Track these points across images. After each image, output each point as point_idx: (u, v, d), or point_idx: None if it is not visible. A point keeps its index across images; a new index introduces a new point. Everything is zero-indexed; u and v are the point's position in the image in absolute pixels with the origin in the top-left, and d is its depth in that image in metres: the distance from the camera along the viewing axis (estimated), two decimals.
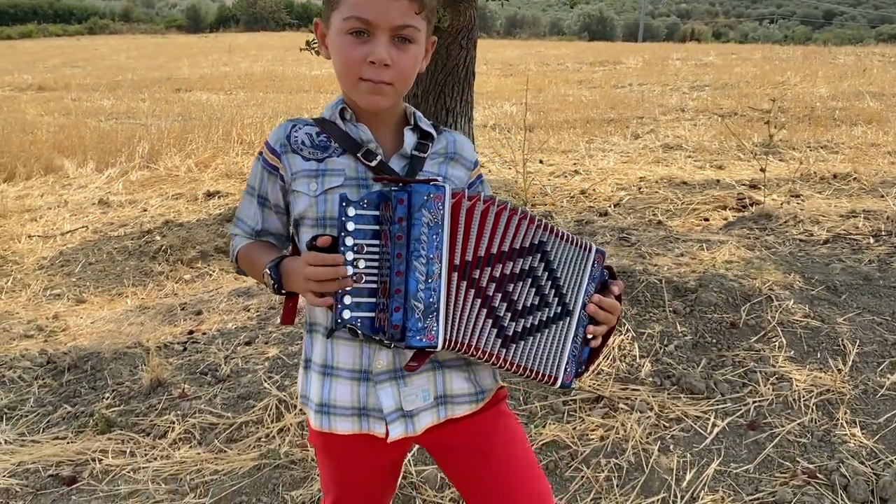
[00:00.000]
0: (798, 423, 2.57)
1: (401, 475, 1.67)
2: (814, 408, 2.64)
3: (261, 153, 1.42)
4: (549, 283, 1.36)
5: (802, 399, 2.67)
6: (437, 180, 1.31)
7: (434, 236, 1.26)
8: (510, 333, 1.34)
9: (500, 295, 1.33)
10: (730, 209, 5.46)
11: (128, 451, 2.75)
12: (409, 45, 1.32)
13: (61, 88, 17.18)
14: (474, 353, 1.31)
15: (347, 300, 1.25)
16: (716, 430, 2.56)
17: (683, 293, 3.26)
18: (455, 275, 1.28)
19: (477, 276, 1.30)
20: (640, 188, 6.40)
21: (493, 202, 1.30)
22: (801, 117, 10.03)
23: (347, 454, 1.47)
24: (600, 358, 1.51)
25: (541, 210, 5.74)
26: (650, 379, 2.81)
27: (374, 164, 1.35)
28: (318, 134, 1.39)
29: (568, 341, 1.38)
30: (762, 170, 5.45)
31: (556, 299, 1.37)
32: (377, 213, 1.26)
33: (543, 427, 2.60)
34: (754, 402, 2.67)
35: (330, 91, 14.80)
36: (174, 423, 2.89)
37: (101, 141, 9.35)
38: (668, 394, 2.74)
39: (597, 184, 6.55)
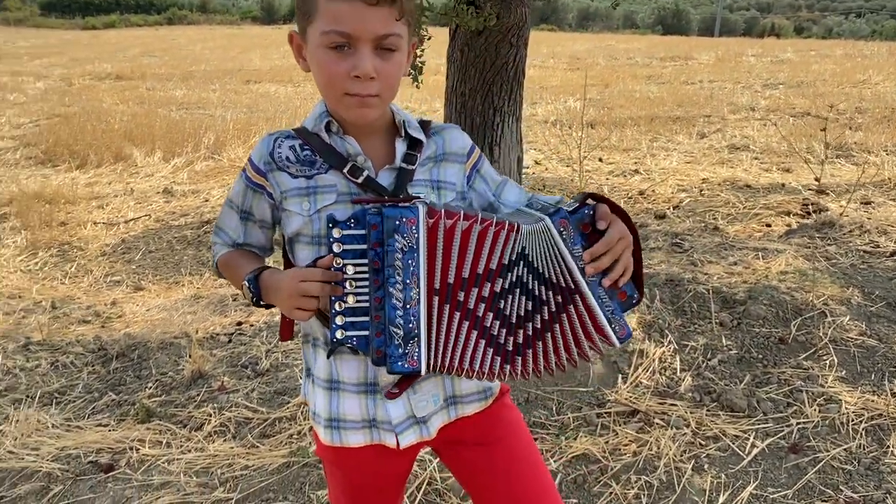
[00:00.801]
0: (844, 449, 2.44)
1: (408, 479, 1.64)
2: (863, 433, 2.51)
3: (244, 171, 1.39)
4: (536, 282, 1.29)
5: (851, 423, 2.54)
6: (416, 199, 1.26)
7: (409, 261, 1.22)
8: (510, 348, 1.29)
9: (491, 314, 1.28)
10: (793, 215, 5.25)
11: (164, 441, 2.81)
12: (392, 53, 1.27)
13: (137, 78, 17.73)
14: (469, 373, 1.28)
15: (340, 320, 1.24)
16: (755, 451, 2.45)
17: (732, 304, 3.14)
18: (437, 298, 1.25)
19: (462, 299, 1.26)
20: (701, 190, 6.21)
21: (476, 220, 1.25)
22: (881, 119, 9.57)
23: (359, 465, 1.46)
24: (642, 271, 1.39)
25: None
26: (690, 394, 2.71)
27: (360, 180, 1.32)
28: (303, 147, 1.35)
29: (595, 310, 1.29)
30: (817, 179, 5.20)
31: (550, 293, 1.29)
32: (364, 231, 1.23)
33: (574, 439, 2.55)
34: (798, 423, 2.55)
35: None
36: (211, 415, 2.94)
37: (169, 130, 9.60)
38: (707, 410, 2.64)
39: (657, 184, 6.39)
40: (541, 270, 1.29)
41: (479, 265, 1.26)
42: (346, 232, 1.22)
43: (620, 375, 2.83)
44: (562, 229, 1.28)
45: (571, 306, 1.30)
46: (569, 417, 2.67)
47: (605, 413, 2.66)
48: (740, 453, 2.45)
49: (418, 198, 1.28)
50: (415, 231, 1.22)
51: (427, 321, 1.24)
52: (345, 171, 1.32)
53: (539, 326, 1.30)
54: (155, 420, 2.96)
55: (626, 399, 2.70)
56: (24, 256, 5.67)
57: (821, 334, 2.94)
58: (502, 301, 1.28)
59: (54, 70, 19.48)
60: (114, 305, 4.76)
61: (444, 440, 1.46)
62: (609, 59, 19.27)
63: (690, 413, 2.61)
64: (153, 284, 5.19)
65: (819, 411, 2.59)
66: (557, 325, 1.30)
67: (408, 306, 1.23)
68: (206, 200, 7.02)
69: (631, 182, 6.54)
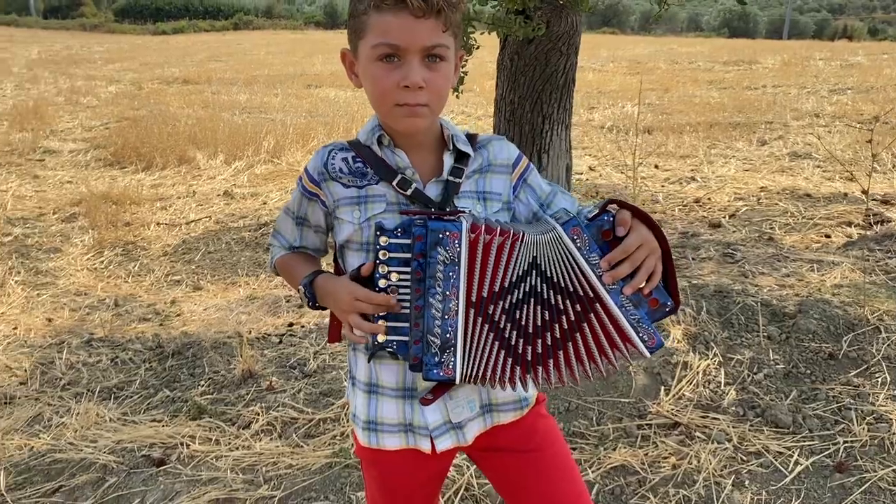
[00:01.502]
0: (893, 470, 2.38)
1: (444, 484, 1.68)
2: None
3: (300, 180, 1.46)
4: (551, 290, 1.31)
5: None
6: (461, 213, 1.31)
7: (451, 273, 1.27)
8: (529, 358, 1.32)
9: (510, 325, 1.31)
10: (854, 226, 5.10)
11: (213, 438, 2.91)
12: (440, 63, 1.31)
13: (203, 82, 18.22)
14: (492, 383, 1.32)
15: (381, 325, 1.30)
16: (798, 468, 2.41)
17: (781, 318, 3.09)
18: (472, 311, 1.29)
19: (491, 311, 1.30)
20: (759, 199, 6.09)
21: (509, 235, 1.29)
22: None
23: (395, 468, 1.50)
24: (675, 278, 1.39)
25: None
26: (733, 408, 2.68)
27: (408, 192, 1.37)
28: (355, 159, 1.41)
29: (618, 318, 1.30)
30: (864, 191, 5.04)
31: (568, 301, 1.31)
32: (409, 241, 1.28)
33: (613, 450, 2.54)
34: (845, 441, 2.50)
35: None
36: (259, 414, 3.03)
37: (232, 134, 9.85)
38: (751, 425, 2.60)
39: (713, 192, 6.29)
40: (555, 280, 1.30)
41: (506, 278, 1.30)
42: (392, 240, 1.27)
43: (663, 387, 2.81)
44: (575, 237, 1.29)
45: (592, 315, 1.31)
46: (609, 428, 2.66)
47: (646, 425, 2.65)
48: (783, 470, 2.41)
49: (463, 212, 1.33)
50: (457, 245, 1.26)
51: (464, 332, 1.28)
52: (394, 182, 1.37)
53: (559, 336, 1.32)
54: (205, 417, 3.06)
55: (667, 411, 2.68)
56: (90, 255, 5.90)
57: (873, 350, 2.87)
58: (518, 311, 1.31)
59: (126, 74, 20.16)
60: (173, 304, 4.92)
61: (479, 447, 1.49)
62: (670, 63, 18.98)
63: (733, 427, 2.58)
64: (211, 284, 5.34)
65: (868, 430, 2.53)
66: (579, 334, 1.32)
67: (446, 317, 1.27)
68: (265, 203, 7.20)
69: (686, 189, 6.45)
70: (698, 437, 2.55)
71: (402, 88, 1.29)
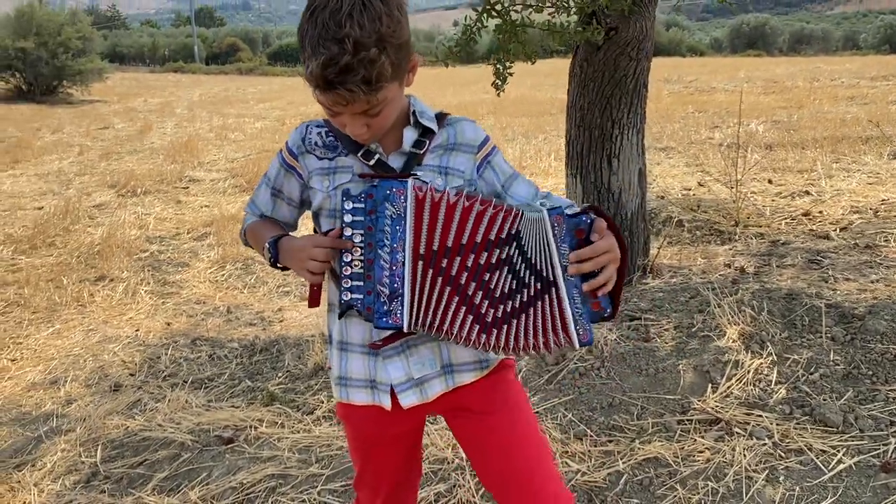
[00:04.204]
0: None
1: (422, 452, 1.77)
2: None
3: (280, 153, 1.62)
4: (524, 265, 1.41)
5: None
6: (413, 175, 1.44)
7: (397, 227, 1.39)
8: (489, 320, 1.41)
9: (474, 284, 1.41)
10: None
11: (279, 422, 3.13)
12: (380, 109, 1.40)
13: None
14: (448, 336, 1.42)
15: (346, 283, 1.42)
16: (840, 467, 2.30)
17: (848, 319, 2.94)
18: (421, 263, 1.40)
19: (446, 266, 1.40)
20: (877, 212, 5.71)
21: (461, 197, 1.40)
22: None
23: (365, 422, 1.63)
24: (622, 295, 1.48)
25: (752, 230, 5.37)
26: (780, 406, 2.59)
27: (372, 162, 1.50)
28: (328, 134, 1.56)
29: (565, 308, 1.40)
30: None
31: (532, 278, 1.40)
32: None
33: (649, 444, 2.52)
34: None
35: None
36: (323, 402, 3.23)
37: None
38: (796, 423, 2.50)
39: (826, 206, 5.96)
40: (529, 255, 1.41)
41: (464, 237, 1.41)
42: (356, 205, 1.41)
43: (711, 385, 2.75)
44: (555, 225, 1.40)
45: (546, 297, 1.41)
46: (648, 423, 2.64)
47: (687, 420, 2.61)
48: (823, 468, 2.31)
49: (416, 175, 1.46)
50: (403, 201, 1.39)
51: (411, 283, 1.39)
52: (359, 154, 1.51)
53: (517, 306, 1.42)
54: (276, 404, 3.30)
55: (711, 408, 2.63)
56: (214, 269, 6.41)
57: None
58: (488, 274, 1.41)
59: (272, 112, 21.58)
60: (279, 312, 5.28)
61: (448, 407, 1.60)
62: (809, 81, 18.03)
63: (776, 425, 2.49)
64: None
65: None
66: (532, 310, 1.42)
67: (394, 268, 1.39)
68: None
69: (797, 203, 6.16)
70: (738, 434, 2.49)
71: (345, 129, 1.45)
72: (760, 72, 22.82)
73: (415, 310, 1.40)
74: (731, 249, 4.65)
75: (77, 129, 16.66)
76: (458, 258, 1.41)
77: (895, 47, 48.44)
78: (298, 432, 3.03)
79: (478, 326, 1.41)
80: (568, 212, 1.43)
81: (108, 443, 3.19)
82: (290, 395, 3.37)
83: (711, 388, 2.73)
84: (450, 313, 1.41)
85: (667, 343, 3.00)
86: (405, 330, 1.40)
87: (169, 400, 3.52)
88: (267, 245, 1.56)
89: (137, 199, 9.11)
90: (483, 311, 1.41)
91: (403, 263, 1.39)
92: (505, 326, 1.42)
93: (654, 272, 4.02)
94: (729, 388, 2.70)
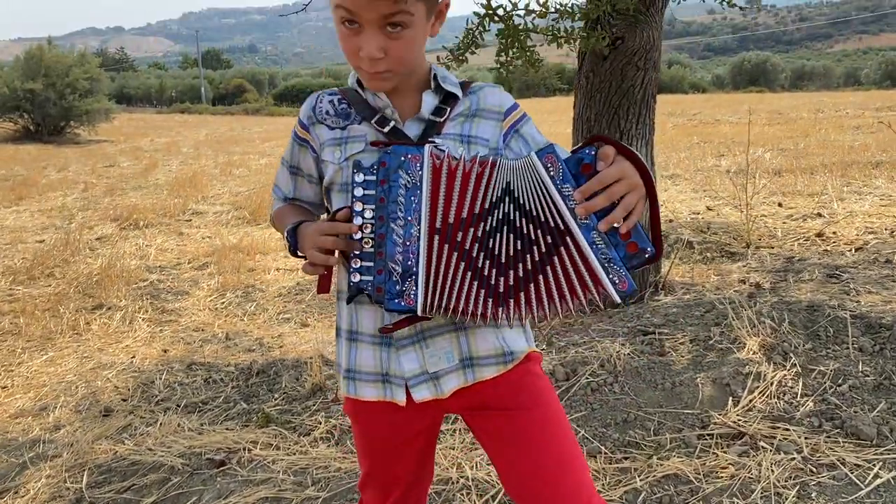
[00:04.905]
0: None
1: (434, 454, 1.60)
2: None
3: (294, 129, 1.49)
4: (524, 219, 1.23)
5: None
6: (430, 143, 1.29)
7: (412, 198, 1.24)
8: (501, 290, 1.24)
9: (482, 253, 1.25)
10: None
11: (274, 444, 2.97)
12: (402, 31, 1.26)
13: None
14: (464, 316, 1.26)
15: (356, 264, 1.27)
16: (877, 481, 2.12)
17: (876, 330, 2.79)
18: (437, 237, 1.24)
19: (460, 239, 1.25)
20: (892, 232, 5.57)
21: (475, 163, 1.25)
22: None
23: (375, 420, 1.46)
24: (660, 221, 1.26)
25: (765, 251, 5.23)
26: (808, 419, 2.42)
27: (386, 129, 1.36)
28: (340, 102, 1.42)
29: (588, 256, 1.20)
30: None
31: (539, 231, 1.22)
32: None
33: (667, 459, 2.35)
34: None
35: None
36: (320, 422, 3.07)
37: None
38: (827, 436, 2.33)
39: (839, 226, 5.83)
40: (528, 208, 1.23)
41: (476, 205, 1.25)
42: (367, 178, 1.26)
43: (732, 398, 2.58)
44: (549, 165, 1.21)
45: (563, 248, 1.22)
46: (666, 438, 2.47)
47: (707, 435, 2.44)
48: (858, 483, 2.13)
49: (433, 143, 1.31)
50: (419, 168, 1.24)
51: (426, 260, 1.24)
52: (373, 121, 1.37)
53: (530, 268, 1.24)
54: (272, 425, 3.14)
55: (733, 422, 2.46)
56: (213, 297, 6.28)
57: None
58: (491, 240, 1.25)
59: (277, 149, 21.65)
60: (279, 338, 5.13)
61: (467, 406, 1.42)
62: (814, 113, 18.03)
63: (805, 438, 2.32)
64: (318, 322, 5.53)
65: None
66: (549, 268, 1.23)
67: (408, 243, 1.24)
68: None
69: (809, 225, 6.02)
70: (763, 448, 2.32)
71: (360, 56, 1.28)
72: (764, 105, 22.86)
73: (429, 290, 1.24)
74: (744, 266, 4.51)
75: (83, 167, 16.68)
76: (472, 229, 1.25)
77: None
78: (294, 454, 2.87)
79: (491, 300, 1.24)
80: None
81: (94, 468, 3.03)
82: (287, 416, 3.21)
83: (733, 401, 2.56)
84: (465, 291, 1.24)
85: (683, 357, 2.84)
86: (419, 313, 1.25)
87: (161, 424, 3.36)
88: (286, 234, 1.42)
89: (139, 232, 9.02)
90: (493, 282, 1.24)
91: (418, 238, 1.24)
92: (522, 294, 1.24)
93: (666, 289, 3.87)
94: (751, 401, 2.54)
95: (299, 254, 1.41)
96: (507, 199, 1.24)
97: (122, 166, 16.76)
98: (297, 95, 51.96)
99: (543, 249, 1.23)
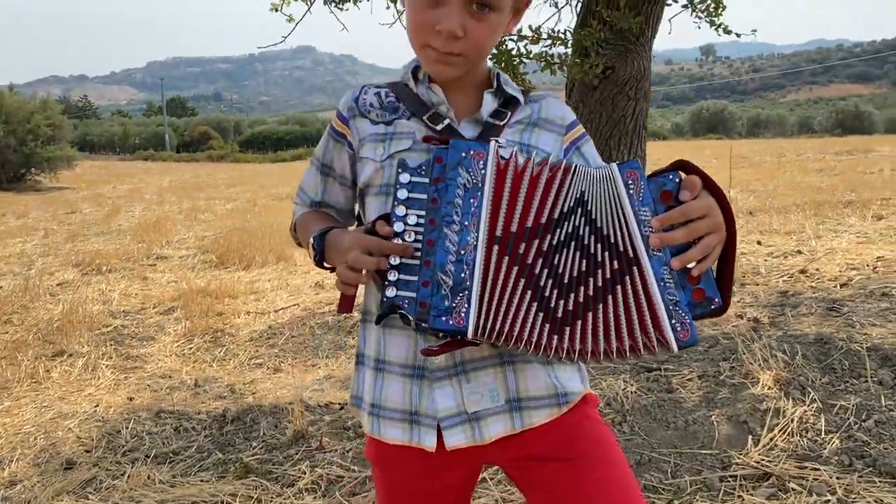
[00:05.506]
0: None
1: None
2: None
3: (330, 123, 1.32)
4: (593, 237, 1.06)
5: None
6: (494, 140, 1.11)
7: (471, 200, 1.05)
8: (560, 314, 1.05)
9: (546, 271, 1.06)
10: None
11: (255, 496, 2.73)
12: (489, 13, 1.13)
13: None
14: (517, 344, 1.05)
15: (393, 276, 1.07)
16: None
17: (894, 362, 2.66)
18: (496, 248, 1.05)
19: (523, 251, 1.06)
20: (875, 268, 5.55)
21: (545, 166, 1.07)
22: None
23: (399, 469, 1.26)
24: (732, 275, 1.07)
25: (750, 289, 5.15)
26: (836, 458, 2.27)
27: (440, 128, 1.19)
28: (388, 95, 1.27)
29: (654, 293, 1.03)
30: None
31: (607, 254, 1.05)
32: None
33: None
34: None
35: None
36: (304, 473, 2.83)
37: None
38: (860, 476, 2.18)
39: (822, 264, 5.79)
40: (599, 224, 1.06)
41: (543, 214, 1.07)
42: (414, 179, 1.09)
43: (751, 437, 2.43)
44: (630, 182, 1.05)
45: (628, 278, 1.04)
46: (686, 481, 2.30)
47: (730, 477, 2.27)
48: None
49: (497, 139, 1.14)
50: (482, 167, 1.06)
51: (482, 273, 1.04)
52: (425, 117, 1.21)
53: (592, 294, 1.05)
54: (251, 476, 2.89)
55: (756, 462, 2.30)
56: (181, 342, 5.99)
57: None
58: (557, 256, 1.06)
59: (243, 195, 21.41)
60: (251, 384, 4.87)
61: (512, 456, 1.21)
62: (777, 157, 18.39)
63: (837, 479, 2.16)
64: (292, 367, 5.28)
65: None
66: (611, 297, 1.05)
67: (462, 252, 1.05)
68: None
69: (791, 262, 5.98)
70: (793, 490, 2.15)
71: (435, 31, 1.14)
72: (725, 149, 23.30)
73: (483, 309, 1.04)
74: (738, 302, 4.40)
75: (43, 213, 16.25)
76: (536, 240, 1.06)
77: (847, 130, 50.42)
78: None
79: (548, 326, 1.04)
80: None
81: None
82: (268, 465, 2.96)
83: (752, 439, 2.41)
84: (521, 314, 1.04)
85: (693, 393, 2.68)
86: (469, 336, 1.03)
87: (129, 476, 3.09)
88: (311, 240, 1.23)
89: (102, 277, 8.69)
90: (552, 305, 1.04)
91: (475, 247, 1.04)
92: (579, 322, 1.04)
93: None
94: (772, 439, 2.38)
95: (326, 265, 1.23)
96: (579, 210, 1.06)
97: (83, 212, 16.36)
98: (262, 142, 51.96)
99: (608, 275, 1.05)
